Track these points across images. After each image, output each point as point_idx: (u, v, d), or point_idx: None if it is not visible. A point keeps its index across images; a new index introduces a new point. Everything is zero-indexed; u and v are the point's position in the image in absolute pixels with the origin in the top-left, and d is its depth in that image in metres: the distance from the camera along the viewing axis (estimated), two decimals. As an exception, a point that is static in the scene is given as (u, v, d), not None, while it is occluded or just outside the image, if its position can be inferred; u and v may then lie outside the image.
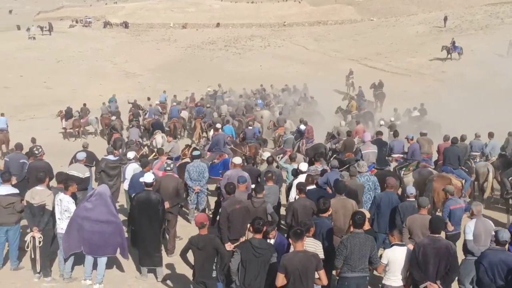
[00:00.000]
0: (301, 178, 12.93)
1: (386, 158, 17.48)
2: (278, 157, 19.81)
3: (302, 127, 23.31)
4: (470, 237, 9.85)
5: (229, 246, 10.16)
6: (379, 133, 18.21)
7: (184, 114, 32.79)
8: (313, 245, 8.94)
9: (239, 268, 8.57)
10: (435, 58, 49.75)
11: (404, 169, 16.69)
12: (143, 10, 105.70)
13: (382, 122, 25.03)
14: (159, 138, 24.12)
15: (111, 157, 16.35)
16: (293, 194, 12.71)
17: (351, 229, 9.17)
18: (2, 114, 27.94)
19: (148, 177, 11.58)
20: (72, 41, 72.52)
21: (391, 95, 36.55)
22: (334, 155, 19.35)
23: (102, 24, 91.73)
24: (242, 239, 10.22)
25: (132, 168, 14.42)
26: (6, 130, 26.37)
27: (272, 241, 9.16)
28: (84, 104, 33.92)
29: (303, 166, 13.96)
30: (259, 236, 8.68)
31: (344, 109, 32.25)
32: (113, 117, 30.65)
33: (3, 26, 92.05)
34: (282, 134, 24.39)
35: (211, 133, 23.12)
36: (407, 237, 9.87)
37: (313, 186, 12.11)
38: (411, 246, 9.14)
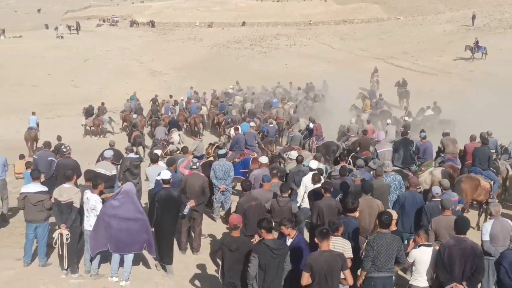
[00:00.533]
0: (310, 175, 12.99)
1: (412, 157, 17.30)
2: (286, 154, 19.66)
3: (311, 124, 23.35)
4: (486, 237, 9.74)
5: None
6: (405, 132, 18.01)
7: (204, 110, 33.77)
8: (341, 245, 8.90)
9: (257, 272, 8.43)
10: (462, 57, 49.15)
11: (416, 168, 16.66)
12: (169, 9, 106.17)
13: (389, 121, 25.05)
14: (175, 136, 24.07)
15: (132, 155, 16.48)
16: (301, 191, 12.96)
17: (378, 229, 9.13)
18: (33, 113, 28.45)
19: (166, 174, 11.72)
20: (99, 40, 73.16)
21: (418, 94, 36.28)
22: (352, 154, 19.19)
23: (129, 23, 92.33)
24: (256, 238, 10.18)
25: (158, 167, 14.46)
26: (36, 128, 26.73)
27: (289, 241, 9.11)
28: (102, 103, 34.51)
29: (314, 164, 13.96)
30: (271, 236, 8.55)
31: (357, 107, 32.24)
32: (134, 115, 30.90)
33: (32, 25, 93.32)
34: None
35: (231, 131, 23.18)
36: (433, 239, 9.78)
37: (319, 185, 12.11)
38: (437, 247, 9.07)
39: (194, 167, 13.19)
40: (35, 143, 26.23)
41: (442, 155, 17.79)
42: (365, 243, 9.10)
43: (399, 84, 38.17)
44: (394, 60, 53.70)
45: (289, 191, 11.21)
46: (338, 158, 16.02)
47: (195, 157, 17.70)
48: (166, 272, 11.53)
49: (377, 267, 8.67)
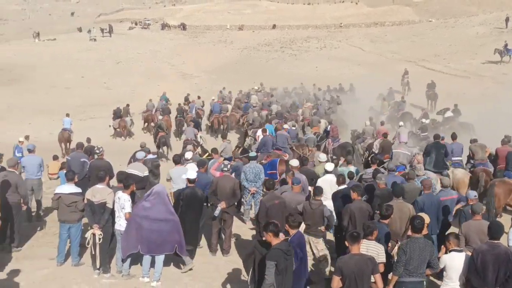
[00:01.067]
0: (325, 177, 12.98)
1: (445, 161, 17.09)
2: None
3: (328, 126, 23.85)
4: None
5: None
6: (437, 136, 17.76)
7: (228, 107, 34.88)
8: (375, 249, 8.86)
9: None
10: (494, 60, 48.40)
11: None
12: (200, 12, 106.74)
13: (401, 123, 24.92)
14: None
15: (151, 156, 16.66)
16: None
17: (410, 233, 9.07)
18: (67, 115, 29.01)
19: (191, 174, 11.98)
20: (131, 43, 73.86)
21: (450, 97, 35.85)
22: (372, 155, 19.02)
23: (160, 26, 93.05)
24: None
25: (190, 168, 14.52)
26: (70, 130, 27.17)
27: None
28: (127, 105, 34.85)
29: (329, 166, 13.96)
30: (278, 239, 8.35)
31: (375, 109, 32.21)
32: (160, 116, 31.49)
33: (65, 28, 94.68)
34: (317, 133, 24.69)
35: (258, 132, 23.47)
36: (463, 244, 9.68)
37: (344, 186, 12.17)
38: (469, 253, 8.97)
39: (225, 169, 13.26)
40: (68, 144, 26.61)
41: (472, 161, 17.56)
42: (396, 247, 9.05)
43: (428, 86, 38.30)
44: (425, 63, 53.18)
45: (322, 194, 11.21)
46: (370, 161, 15.96)
47: (225, 159, 17.81)
48: (185, 265, 11.66)
49: (408, 272, 8.60)
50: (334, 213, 11.58)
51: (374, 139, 21.76)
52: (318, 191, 11.12)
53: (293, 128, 24.38)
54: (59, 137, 26.63)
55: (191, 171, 12.28)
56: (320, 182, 13.11)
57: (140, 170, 14.57)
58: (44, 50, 64.78)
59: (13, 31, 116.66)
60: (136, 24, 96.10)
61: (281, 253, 8.13)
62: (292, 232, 8.91)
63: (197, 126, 27.75)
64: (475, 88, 40.69)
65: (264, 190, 13.65)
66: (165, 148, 26.31)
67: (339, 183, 12.27)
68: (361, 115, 28.89)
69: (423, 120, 27.15)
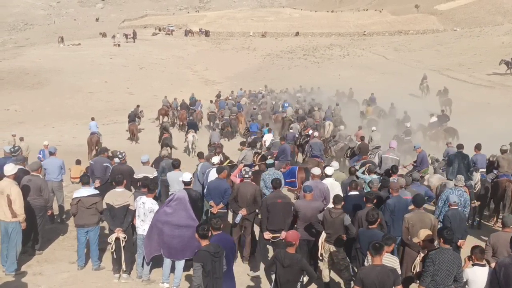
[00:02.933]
0: (325, 181, 13.28)
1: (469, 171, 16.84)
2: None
3: None
4: None
5: (267, 235, 11.45)
6: (460, 146, 17.50)
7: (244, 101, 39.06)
8: (390, 260, 8.74)
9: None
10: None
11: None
12: (223, 19, 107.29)
13: (373, 128, 25.50)
14: (190, 137, 28.16)
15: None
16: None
17: (431, 244, 8.95)
18: (93, 119, 29.08)
19: (186, 176, 12.04)
20: (154, 49, 74.42)
21: (475, 107, 35.56)
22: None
23: (184, 32, 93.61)
24: (283, 234, 10.76)
25: (214, 173, 14.49)
26: (98, 133, 27.37)
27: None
28: (138, 106, 35.47)
29: (329, 170, 14.00)
30: (207, 241, 8.64)
31: (364, 114, 33.45)
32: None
33: (90, 33, 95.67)
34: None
35: (265, 137, 24.99)
36: (490, 255, 9.53)
37: (356, 192, 12.09)
38: (493, 265, 8.81)
39: (246, 176, 13.20)
40: (97, 147, 26.59)
41: (495, 172, 17.26)
42: (418, 258, 8.92)
43: (440, 93, 38.93)
44: (449, 72, 52.81)
45: (342, 203, 11.12)
46: (391, 171, 15.81)
47: (245, 165, 17.78)
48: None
49: (436, 284, 8.41)
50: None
51: (346, 142, 23.50)
52: (338, 199, 11.02)
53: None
54: (88, 140, 26.78)
55: (186, 174, 12.34)
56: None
57: (150, 172, 15.01)
58: (69, 54, 65.52)
59: (38, 36, 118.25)
60: (159, 30, 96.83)
61: (208, 255, 8.43)
62: (214, 233, 9.10)
63: (194, 127, 30.09)
64: (500, 98, 40.21)
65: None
66: (168, 149, 26.30)
67: (351, 188, 12.19)
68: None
69: (407, 124, 27.96)
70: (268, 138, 24.99)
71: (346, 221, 10.74)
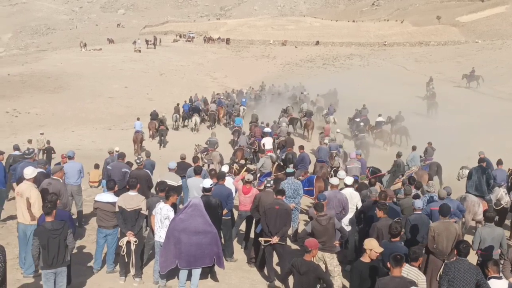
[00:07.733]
0: (345, 191, 13.44)
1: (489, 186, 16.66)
2: None
3: None
4: None
5: (262, 241, 11.63)
6: (481, 160, 17.32)
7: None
8: (415, 276, 8.68)
9: None
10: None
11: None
12: (244, 27, 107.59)
13: (338, 130, 28.73)
14: (193, 119, 37.07)
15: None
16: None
17: (455, 257, 8.89)
18: (138, 119, 31.95)
19: (207, 183, 12.02)
20: (174, 55, 74.79)
21: (494, 119, 35.18)
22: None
23: (204, 39, 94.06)
24: (275, 239, 11.29)
25: (229, 181, 14.52)
26: (142, 132, 30.75)
27: None
28: (154, 110, 36.18)
29: (349, 180, 14.10)
30: (51, 218, 9.43)
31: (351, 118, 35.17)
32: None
33: (111, 39, 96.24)
34: None
35: (263, 140, 26.06)
36: (508, 269, 9.44)
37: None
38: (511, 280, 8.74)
39: (268, 185, 13.30)
40: (141, 144, 29.60)
41: None
42: (443, 265, 8.89)
43: (427, 97, 42.10)
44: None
45: (325, 209, 11.17)
46: (408, 181, 15.73)
47: (264, 174, 17.83)
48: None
49: None
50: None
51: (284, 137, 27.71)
52: (319, 207, 10.98)
53: (333, 141, 24.81)
54: (134, 138, 29.84)
55: (207, 180, 12.38)
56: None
57: (175, 180, 14.96)
58: (90, 59, 66.10)
59: (60, 40, 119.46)
60: (180, 36, 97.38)
61: (44, 230, 9.29)
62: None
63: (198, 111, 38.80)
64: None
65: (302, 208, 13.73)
66: (162, 138, 32.61)
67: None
68: None
69: (357, 119, 31.79)
70: (267, 141, 25.24)
71: (337, 225, 10.88)
